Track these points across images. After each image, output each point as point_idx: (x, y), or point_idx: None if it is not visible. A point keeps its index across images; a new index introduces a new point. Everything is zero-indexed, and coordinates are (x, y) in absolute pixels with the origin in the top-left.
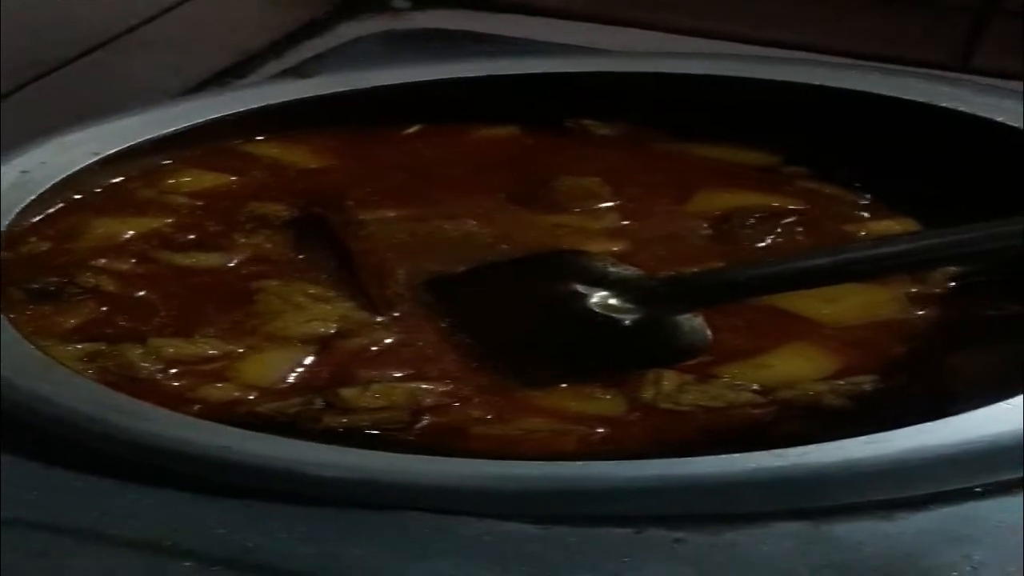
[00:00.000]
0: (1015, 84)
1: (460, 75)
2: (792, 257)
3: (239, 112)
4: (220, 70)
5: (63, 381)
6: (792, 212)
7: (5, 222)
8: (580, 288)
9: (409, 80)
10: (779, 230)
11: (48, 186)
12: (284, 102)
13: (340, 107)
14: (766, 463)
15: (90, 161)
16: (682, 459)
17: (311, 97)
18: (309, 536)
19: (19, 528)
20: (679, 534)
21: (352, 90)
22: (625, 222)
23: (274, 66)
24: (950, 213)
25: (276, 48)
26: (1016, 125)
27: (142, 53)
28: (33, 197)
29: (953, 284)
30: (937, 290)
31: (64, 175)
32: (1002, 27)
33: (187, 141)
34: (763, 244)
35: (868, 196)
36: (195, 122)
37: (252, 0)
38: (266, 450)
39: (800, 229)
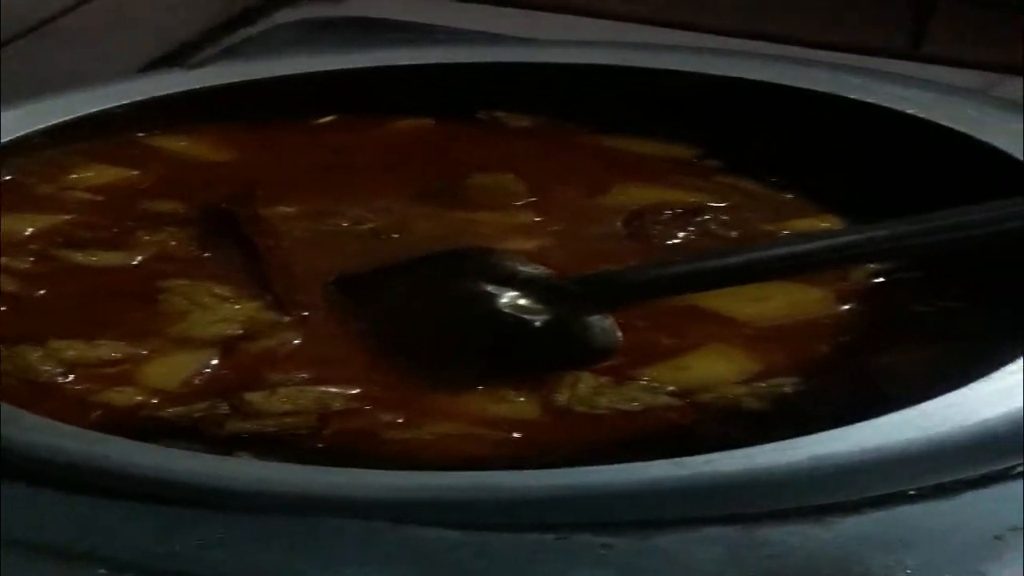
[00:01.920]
0: (957, 72)
1: (373, 64)
2: (707, 255)
3: (138, 101)
4: (151, 60)
5: None
6: (709, 209)
7: None
8: (489, 288)
9: (319, 69)
10: (692, 227)
11: None
12: (188, 91)
13: (247, 97)
14: (673, 471)
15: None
16: (591, 468)
17: (215, 86)
18: (221, 542)
19: None
20: (606, 539)
21: (259, 79)
22: (538, 218)
23: (207, 55)
24: (874, 209)
25: (209, 36)
26: (927, 118)
27: (69, 42)
28: None
29: (878, 280)
30: (860, 287)
31: None
32: (952, 12)
33: (84, 132)
34: (676, 241)
35: (789, 193)
36: (91, 111)
37: None
38: (158, 461)
39: (715, 227)
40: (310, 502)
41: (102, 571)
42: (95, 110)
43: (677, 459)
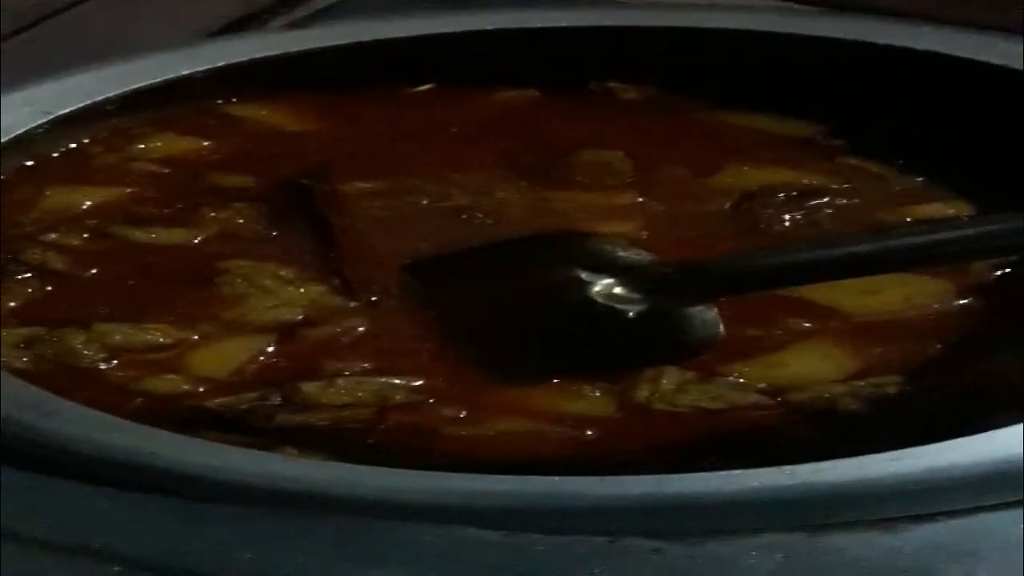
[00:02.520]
0: None
1: (473, 28)
2: (823, 243)
3: (218, 67)
4: (224, 24)
5: None
6: (826, 192)
7: None
8: (583, 275)
9: (415, 33)
10: (803, 211)
11: None
12: (270, 56)
13: (335, 63)
14: (770, 481)
15: (40, 121)
16: (672, 476)
17: (300, 51)
18: (248, 541)
19: None
20: (657, 543)
21: (349, 43)
22: (640, 199)
23: (284, 20)
24: (1008, 196)
25: (289, 1)
26: None
27: (140, 4)
28: None
29: (999, 273)
30: (983, 279)
31: (9, 137)
32: None
33: (156, 100)
34: (784, 227)
35: (917, 176)
36: (165, 78)
37: None
38: (194, 456)
39: (829, 212)
40: (353, 503)
41: (117, 568)
42: (170, 76)
43: (749, 470)
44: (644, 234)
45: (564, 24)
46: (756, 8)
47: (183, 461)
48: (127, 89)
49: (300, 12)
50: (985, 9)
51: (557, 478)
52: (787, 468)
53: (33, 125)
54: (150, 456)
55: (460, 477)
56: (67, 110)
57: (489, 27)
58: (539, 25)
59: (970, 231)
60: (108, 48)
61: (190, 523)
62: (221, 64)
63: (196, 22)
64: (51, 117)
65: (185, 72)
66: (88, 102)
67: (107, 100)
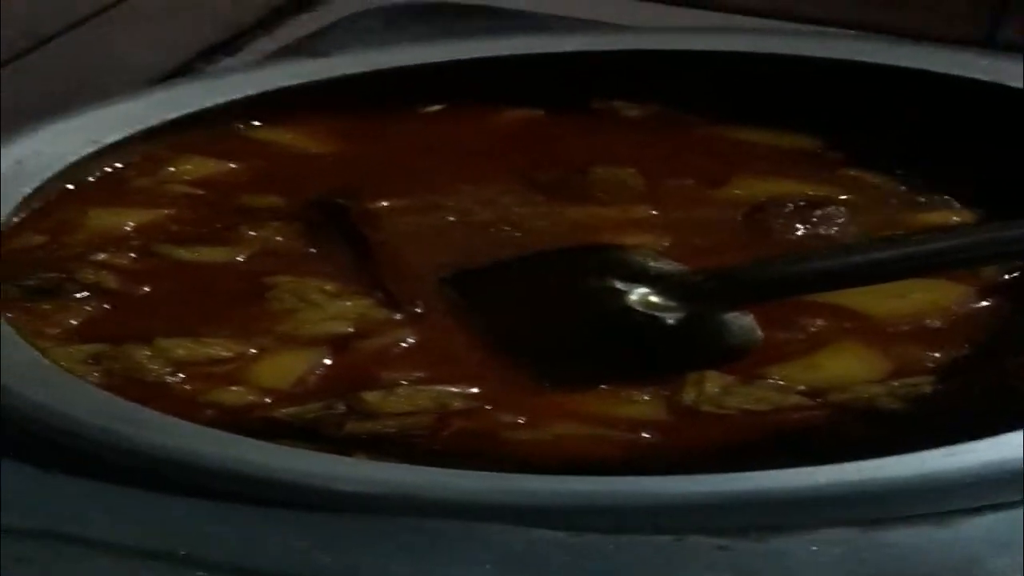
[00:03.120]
0: None
1: (483, 55)
2: (847, 250)
3: (250, 96)
4: (209, 45)
5: (68, 389)
6: (833, 202)
7: (3, 215)
8: (618, 284)
9: (429, 60)
10: (815, 221)
11: (47, 177)
12: (299, 84)
13: (356, 89)
14: (836, 478)
15: (90, 151)
16: (739, 474)
17: (328, 79)
18: (329, 544)
19: (21, 536)
20: (722, 541)
21: (371, 71)
22: (654, 211)
23: (266, 41)
24: (1008, 203)
25: (267, 22)
26: None
27: (127, 28)
28: (30, 190)
29: (1009, 276)
30: (996, 282)
31: (63, 165)
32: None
33: (190, 126)
34: (798, 235)
35: (917, 186)
36: (203, 107)
37: None
38: (284, 463)
39: (841, 221)
40: (426, 504)
41: (200, 573)
42: (198, 108)
43: (794, 469)
44: (664, 245)
45: (566, 49)
46: (749, 31)
47: (270, 466)
48: (168, 118)
49: (281, 33)
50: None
51: (624, 478)
52: (851, 465)
53: (84, 154)
54: (241, 463)
55: (531, 478)
56: (113, 139)
57: (498, 53)
58: (541, 50)
59: (986, 236)
60: (100, 72)
61: (273, 527)
62: (250, 92)
63: (182, 44)
64: (99, 146)
65: (218, 101)
66: (131, 131)
67: (149, 128)
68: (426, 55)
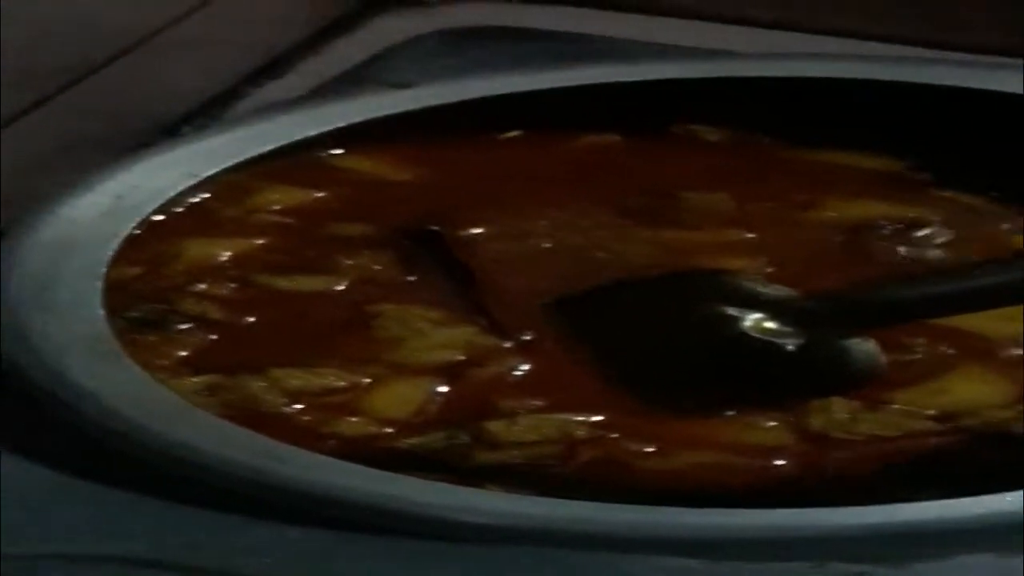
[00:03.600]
0: None
1: (559, 84)
2: (969, 273)
3: (339, 127)
4: (253, 70)
5: (203, 425)
6: (928, 223)
7: (107, 252)
8: (730, 311)
9: (506, 91)
10: (913, 243)
11: (146, 212)
12: (380, 116)
13: (434, 119)
14: (996, 507)
15: (189, 184)
16: (898, 505)
17: (404, 111)
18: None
19: (155, 570)
20: (862, 567)
21: (449, 103)
22: (749, 235)
23: (312, 63)
24: None
25: (310, 45)
26: None
27: (170, 55)
28: (134, 223)
29: None
30: None
31: (163, 200)
32: None
33: (277, 157)
34: (900, 258)
35: (1011, 207)
36: (293, 140)
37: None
38: (431, 497)
39: (940, 241)
40: (553, 536)
41: None
42: (297, 138)
43: (975, 498)
44: (766, 269)
45: (644, 78)
46: (822, 56)
47: (419, 502)
48: (257, 152)
49: (326, 59)
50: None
51: (767, 511)
52: (1008, 495)
53: (182, 188)
54: (389, 499)
55: (675, 511)
56: (209, 172)
57: (573, 83)
58: (621, 79)
59: None
60: (148, 100)
61: (407, 559)
62: (339, 124)
63: (226, 70)
64: (197, 179)
65: (309, 134)
66: (225, 164)
67: (240, 163)
68: (506, 86)
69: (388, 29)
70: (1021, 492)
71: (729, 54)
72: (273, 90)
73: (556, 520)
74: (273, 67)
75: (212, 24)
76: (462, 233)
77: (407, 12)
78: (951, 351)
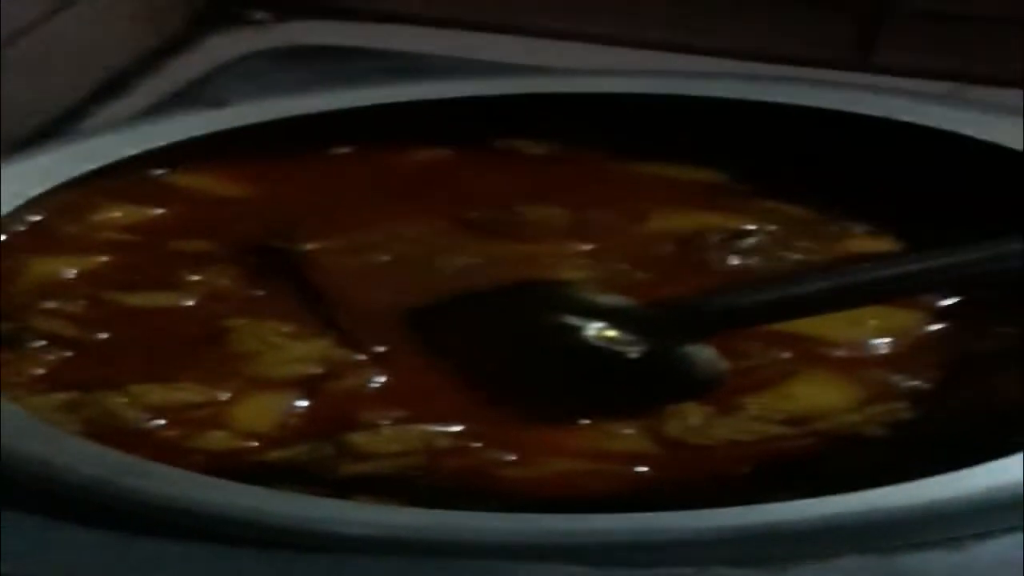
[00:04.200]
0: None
1: (387, 100)
2: (799, 280)
3: (162, 145)
4: (93, 90)
5: (58, 442)
6: (756, 232)
7: None
8: (573, 320)
9: (335, 107)
10: (746, 250)
11: None
12: (209, 133)
13: (265, 135)
14: (843, 508)
15: (18, 203)
16: (752, 507)
17: (238, 127)
18: None
19: None
20: (742, 571)
21: (280, 118)
22: (585, 247)
23: (151, 83)
24: (919, 229)
25: (147, 64)
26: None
27: (6, 75)
28: None
29: (949, 303)
30: (943, 307)
31: None
32: (898, 26)
33: (109, 175)
34: (734, 266)
35: (830, 215)
36: (121, 157)
37: (111, 18)
38: (300, 511)
39: (771, 249)
40: (434, 546)
41: None
42: (116, 158)
43: (812, 499)
44: (603, 279)
45: (472, 93)
46: (642, 72)
47: (291, 515)
48: (89, 168)
49: (164, 78)
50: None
51: (642, 514)
52: (859, 494)
53: (13, 208)
54: (255, 512)
55: (552, 517)
56: (38, 191)
57: (400, 99)
58: (449, 95)
59: (937, 264)
60: None
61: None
62: (163, 143)
63: (69, 90)
64: (25, 199)
65: (135, 151)
66: (54, 183)
67: (71, 180)
68: (335, 101)
69: (221, 48)
70: (885, 489)
71: (551, 70)
72: (115, 109)
73: (428, 529)
74: (112, 86)
75: (52, 43)
76: (304, 247)
77: (239, 31)
78: (794, 356)
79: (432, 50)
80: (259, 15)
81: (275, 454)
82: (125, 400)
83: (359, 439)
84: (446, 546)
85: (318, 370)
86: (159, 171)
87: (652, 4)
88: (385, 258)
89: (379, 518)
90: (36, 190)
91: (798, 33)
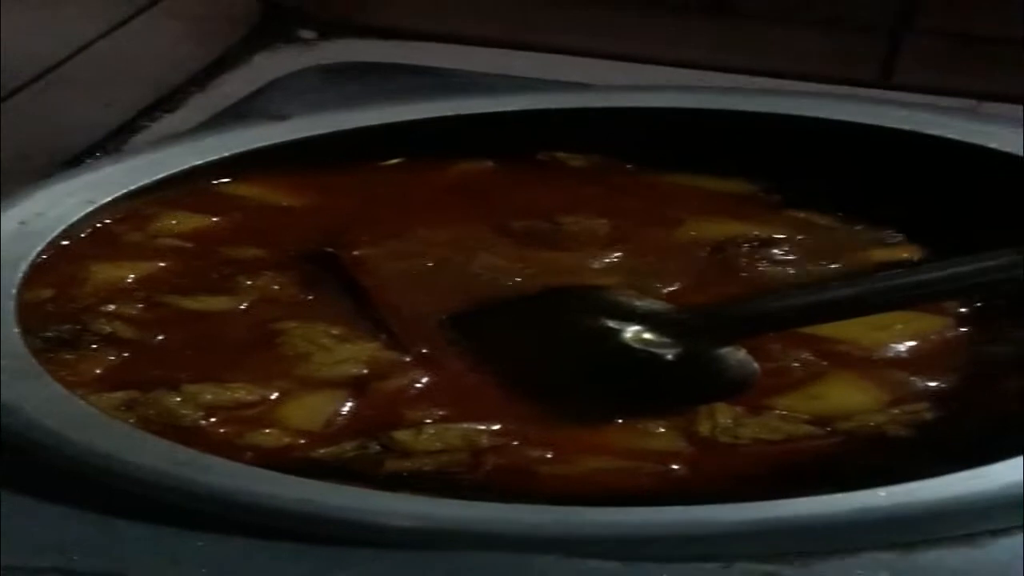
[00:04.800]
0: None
1: (434, 114)
2: (829, 286)
3: (224, 156)
4: (148, 104)
5: (125, 436)
6: (785, 241)
7: (17, 275)
8: (611, 323)
9: (385, 121)
10: (776, 257)
11: (51, 237)
12: (267, 145)
13: (318, 148)
14: (867, 503)
15: (88, 210)
16: (779, 501)
17: (290, 140)
18: None
19: None
20: (769, 567)
21: (331, 132)
22: (618, 255)
23: (201, 99)
24: (942, 238)
25: (198, 81)
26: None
27: (66, 91)
28: (40, 248)
29: (969, 308)
30: (968, 312)
31: (64, 225)
32: (918, 45)
33: (171, 185)
34: (762, 271)
35: (858, 225)
36: (184, 167)
37: (165, 37)
38: (349, 502)
39: (798, 257)
40: (485, 538)
41: None
42: (177, 169)
43: (835, 495)
44: (640, 285)
45: (515, 108)
46: (680, 88)
47: (334, 506)
48: (154, 178)
49: (213, 94)
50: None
51: (672, 508)
52: (880, 490)
53: (82, 214)
54: (307, 504)
55: (584, 511)
56: (106, 199)
57: (445, 113)
58: (492, 109)
59: (963, 269)
60: (48, 136)
61: (334, 566)
62: (225, 154)
63: (122, 105)
64: (94, 206)
65: (197, 162)
66: (121, 191)
67: (136, 189)
68: (386, 115)
69: (269, 65)
70: (907, 485)
71: (590, 86)
72: (168, 123)
73: (468, 521)
74: (166, 101)
75: (109, 60)
76: (354, 254)
77: (286, 49)
78: (825, 361)
79: (469, 67)
80: (305, 34)
81: (322, 451)
82: (180, 399)
83: (403, 437)
84: (485, 538)
85: (364, 371)
86: (217, 181)
87: (686, 25)
88: (429, 264)
89: (421, 510)
90: (103, 199)
91: (823, 53)
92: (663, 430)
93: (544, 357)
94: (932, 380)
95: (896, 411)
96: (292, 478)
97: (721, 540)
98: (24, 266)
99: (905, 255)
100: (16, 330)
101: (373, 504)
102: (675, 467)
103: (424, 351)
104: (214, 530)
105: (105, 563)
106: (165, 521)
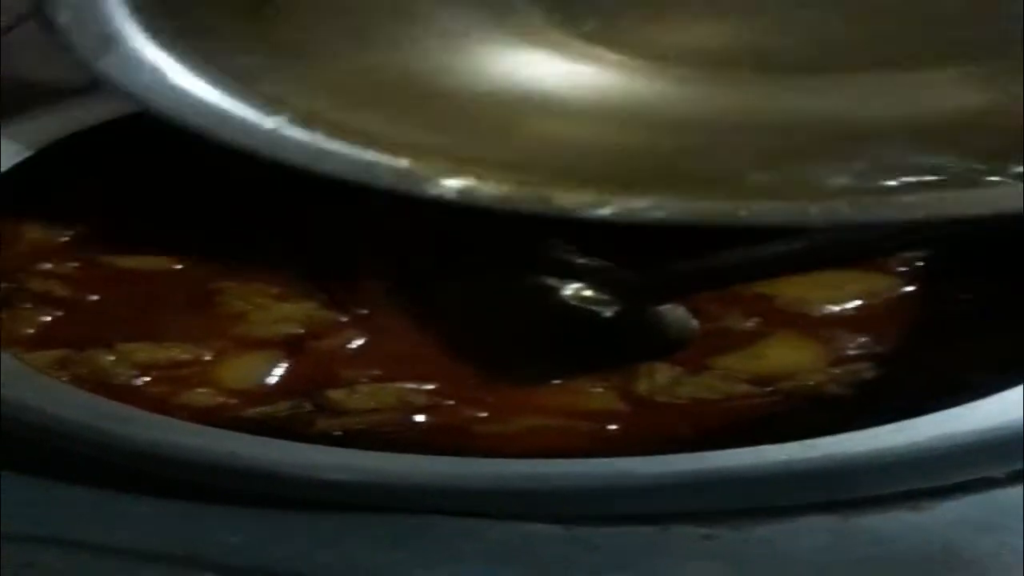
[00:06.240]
0: None
1: None
2: (771, 243)
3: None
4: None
5: (52, 391)
6: None
7: None
8: (550, 281)
9: None
10: None
11: None
12: None
13: None
14: (798, 454)
15: (17, 160)
16: (711, 453)
17: None
18: (329, 542)
19: (23, 543)
20: (707, 530)
21: None
22: None
23: None
24: None
25: None
26: None
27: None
28: None
29: (906, 269)
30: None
31: None
32: None
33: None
34: None
35: None
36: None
37: None
38: (277, 455)
39: None
40: (418, 493)
41: (208, 575)
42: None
43: (779, 445)
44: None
45: None
46: None
47: (261, 459)
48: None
49: None
50: None
51: (604, 460)
52: (809, 441)
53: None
54: (230, 456)
55: (515, 463)
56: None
57: None
58: None
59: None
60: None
61: (272, 527)
62: None
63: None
64: (22, 157)
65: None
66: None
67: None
68: None
69: None
70: (838, 437)
71: None
72: None
73: (396, 475)
74: None
75: None
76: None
77: None
78: (770, 320)
79: None
80: None
81: (256, 410)
82: (113, 358)
83: (336, 396)
84: (412, 491)
85: (301, 330)
86: None
87: None
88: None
89: (348, 462)
90: (32, 151)
91: None
92: (601, 389)
93: (482, 316)
94: (877, 340)
95: (838, 370)
96: (220, 431)
97: (654, 493)
98: None
99: None
100: None
101: (301, 458)
102: (612, 426)
103: (363, 311)
104: (149, 491)
105: (54, 527)
106: (97, 482)
